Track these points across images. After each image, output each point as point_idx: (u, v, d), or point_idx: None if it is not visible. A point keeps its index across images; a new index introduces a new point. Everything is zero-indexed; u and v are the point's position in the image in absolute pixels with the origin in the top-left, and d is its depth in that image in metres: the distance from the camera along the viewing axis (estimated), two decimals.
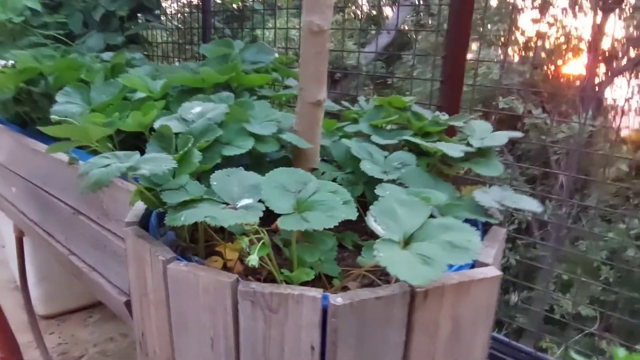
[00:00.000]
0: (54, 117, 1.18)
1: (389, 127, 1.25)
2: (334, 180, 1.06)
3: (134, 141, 1.30)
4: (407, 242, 0.73)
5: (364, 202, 0.97)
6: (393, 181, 0.97)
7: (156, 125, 1.01)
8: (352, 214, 0.74)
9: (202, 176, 0.96)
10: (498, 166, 1.07)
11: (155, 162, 0.80)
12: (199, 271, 0.74)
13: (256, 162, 1.07)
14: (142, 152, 1.29)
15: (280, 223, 0.73)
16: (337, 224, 0.71)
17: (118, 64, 1.62)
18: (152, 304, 0.87)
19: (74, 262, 1.30)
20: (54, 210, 1.39)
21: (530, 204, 0.95)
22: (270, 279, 0.82)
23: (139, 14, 2.49)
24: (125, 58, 1.72)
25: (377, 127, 1.20)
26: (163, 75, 1.49)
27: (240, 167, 0.87)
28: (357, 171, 1.09)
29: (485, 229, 1.00)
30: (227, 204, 0.79)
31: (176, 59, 2.88)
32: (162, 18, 2.91)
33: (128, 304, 1.13)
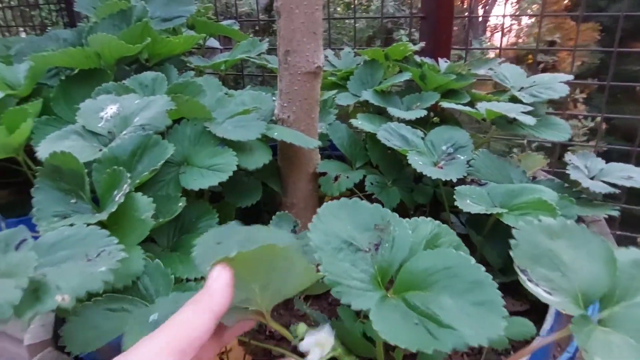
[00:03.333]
0: None
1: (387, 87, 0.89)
2: (357, 187, 0.69)
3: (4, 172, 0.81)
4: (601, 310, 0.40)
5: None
6: (462, 180, 0.63)
7: (43, 149, 0.55)
8: (498, 297, 0.38)
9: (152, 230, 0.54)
10: (564, 126, 0.78)
11: (77, 252, 0.37)
12: None
13: (230, 181, 0.66)
14: (16, 187, 0.81)
15: (378, 328, 0.35)
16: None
17: None
18: None
19: None
20: None
21: None
22: None
23: None
24: None
25: (383, 93, 0.84)
26: (20, 56, 0.95)
27: (234, 222, 0.47)
28: (380, 164, 0.73)
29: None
30: None
31: (23, 29, 2.16)
32: None
33: None
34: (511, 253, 0.41)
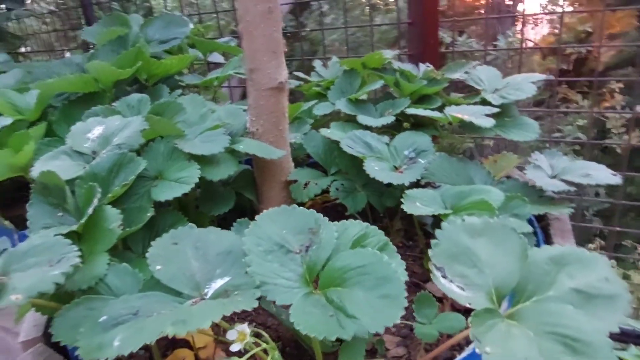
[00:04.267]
0: None
1: (363, 96, 0.93)
2: (324, 191, 0.74)
3: (14, 187, 0.90)
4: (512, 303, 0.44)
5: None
6: (416, 183, 0.67)
7: (35, 168, 0.63)
8: (402, 290, 0.41)
9: (128, 239, 0.61)
10: (533, 126, 0.80)
11: (43, 259, 0.44)
12: None
13: (205, 192, 0.72)
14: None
15: (294, 320, 0.40)
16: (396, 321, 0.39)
17: None
18: None
19: None
20: None
21: (604, 175, 0.69)
22: None
23: None
24: None
25: (357, 102, 0.88)
26: (38, 82, 1.06)
27: (190, 225, 0.52)
28: (349, 170, 0.77)
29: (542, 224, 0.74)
30: (188, 295, 0.45)
31: (64, 51, 2.32)
32: (30, 2, 2.34)
33: None
34: (429, 252, 0.45)
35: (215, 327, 0.62)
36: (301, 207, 0.50)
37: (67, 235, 0.50)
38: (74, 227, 0.52)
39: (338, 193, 0.72)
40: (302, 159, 0.88)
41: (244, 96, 1.56)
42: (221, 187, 0.72)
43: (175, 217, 0.62)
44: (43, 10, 2.35)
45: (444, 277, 0.44)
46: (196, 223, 0.64)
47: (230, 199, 0.70)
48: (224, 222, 0.74)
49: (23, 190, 0.96)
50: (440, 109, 0.84)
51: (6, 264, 0.44)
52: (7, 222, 0.82)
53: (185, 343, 0.63)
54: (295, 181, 0.75)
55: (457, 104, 0.84)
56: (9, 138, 0.79)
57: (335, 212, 0.83)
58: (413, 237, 0.81)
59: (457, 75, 0.90)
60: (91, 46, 1.89)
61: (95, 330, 0.41)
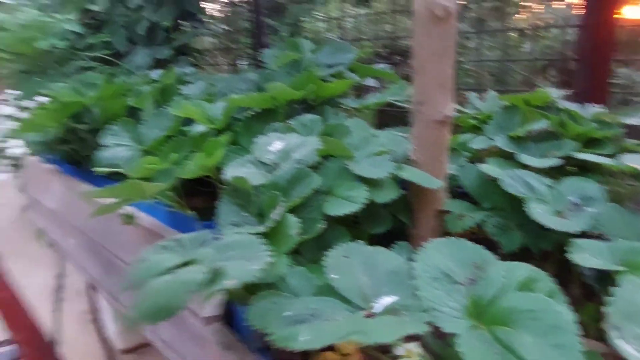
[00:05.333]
0: (100, 169, 0.95)
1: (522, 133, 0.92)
2: (478, 226, 0.75)
3: (193, 182, 1.05)
4: None
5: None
6: (582, 233, 0.65)
7: (227, 173, 0.75)
8: (577, 342, 0.42)
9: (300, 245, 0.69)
10: None
11: (241, 253, 0.53)
12: None
13: (366, 211, 0.78)
14: (207, 196, 1.03)
15: (462, 349, 0.43)
16: None
17: (168, 84, 1.38)
18: None
19: (147, 335, 1.08)
20: (119, 270, 1.18)
21: None
22: None
23: (183, 22, 2.26)
24: (176, 75, 1.47)
25: (517, 139, 0.87)
26: (221, 95, 1.23)
27: (359, 241, 0.58)
28: (505, 208, 0.77)
29: None
30: (357, 305, 0.50)
31: (231, 66, 2.64)
32: (207, 21, 2.69)
33: None
34: (605, 310, 0.44)
35: None
36: (467, 241, 0.53)
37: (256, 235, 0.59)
38: (262, 229, 0.61)
39: (494, 229, 0.72)
40: (451, 190, 0.90)
41: None
42: (381, 209, 0.77)
43: (340, 231, 0.69)
44: (217, 29, 2.69)
45: (620, 338, 0.43)
46: (356, 238, 0.70)
47: (388, 220, 0.75)
48: (374, 240, 0.79)
49: (202, 185, 1.13)
50: (612, 155, 0.79)
51: (215, 253, 0.54)
52: (190, 212, 0.97)
53: (328, 347, 0.69)
54: (449, 211, 0.78)
55: (633, 152, 0.79)
56: (203, 143, 0.94)
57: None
58: (565, 284, 0.77)
59: (635, 120, 0.84)
60: (256, 63, 2.12)
61: (281, 323, 0.48)
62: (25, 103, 2.02)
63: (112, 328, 2.36)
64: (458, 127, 1.06)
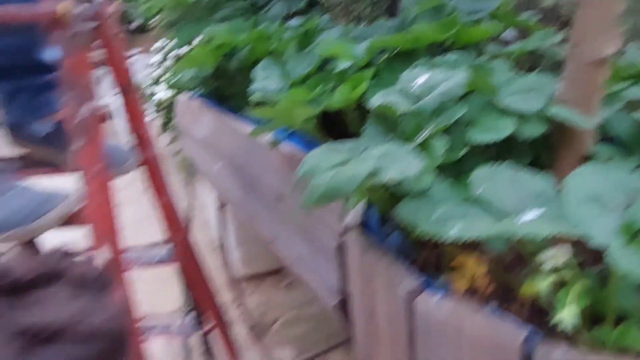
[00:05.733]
0: (254, 96, 1.07)
1: None
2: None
3: (331, 119, 1.14)
4: None
5: None
6: None
7: (373, 101, 0.81)
8: None
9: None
10: None
11: (397, 159, 0.60)
12: (463, 319, 0.52)
13: (504, 145, 0.79)
14: (341, 133, 1.11)
15: (613, 257, 0.45)
16: None
17: (310, 29, 1.47)
18: (385, 334, 0.69)
19: (278, 250, 1.23)
20: (257, 192, 1.33)
21: None
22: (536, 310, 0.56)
23: None
24: (315, 23, 1.56)
25: None
26: (361, 40, 1.29)
27: (501, 162, 0.61)
28: None
29: None
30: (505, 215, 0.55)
31: (361, 17, 2.68)
32: None
33: (342, 303, 0.99)
34: None
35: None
36: (621, 168, 0.53)
37: None
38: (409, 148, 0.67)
39: None
40: (599, 138, 0.87)
41: None
42: (524, 146, 0.78)
43: (480, 162, 0.72)
44: None
45: None
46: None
47: (528, 155, 0.76)
48: None
49: (335, 125, 1.21)
50: None
51: (377, 161, 0.61)
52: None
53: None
54: (592, 157, 0.76)
55: None
56: (345, 77, 1.01)
57: None
58: None
59: None
60: (390, 15, 2.13)
61: (432, 219, 0.54)
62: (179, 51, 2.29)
63: (236, 254, 2.61)
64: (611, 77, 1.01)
